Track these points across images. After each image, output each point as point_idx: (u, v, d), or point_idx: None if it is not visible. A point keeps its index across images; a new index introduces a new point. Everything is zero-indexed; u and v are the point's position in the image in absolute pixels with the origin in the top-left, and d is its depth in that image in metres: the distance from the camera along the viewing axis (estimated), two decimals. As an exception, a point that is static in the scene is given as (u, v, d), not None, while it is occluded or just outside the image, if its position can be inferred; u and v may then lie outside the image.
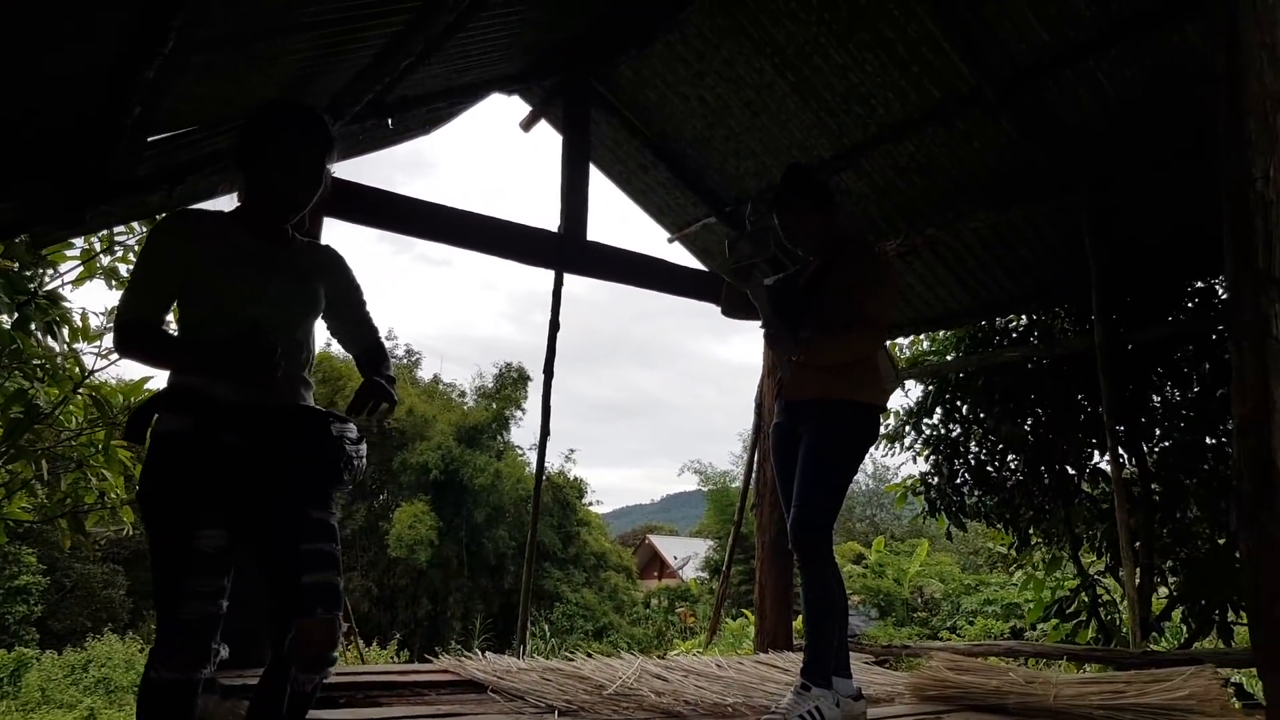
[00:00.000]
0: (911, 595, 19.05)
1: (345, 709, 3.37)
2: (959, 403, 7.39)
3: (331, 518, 2.50)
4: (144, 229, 4.56)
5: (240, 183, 2.61)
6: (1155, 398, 6.44)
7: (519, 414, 24.74)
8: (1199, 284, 6.13)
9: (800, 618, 3.77)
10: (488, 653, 4.71)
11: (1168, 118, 4.84)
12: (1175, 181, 5.14)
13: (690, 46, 5.57)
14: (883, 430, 7.73)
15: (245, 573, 2.50)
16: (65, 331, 4.56)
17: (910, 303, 6.76)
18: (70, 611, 18.95)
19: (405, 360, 27.05)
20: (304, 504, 2.45)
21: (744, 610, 15.71)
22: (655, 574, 33.70)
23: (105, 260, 4.78)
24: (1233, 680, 4.95)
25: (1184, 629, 6.74)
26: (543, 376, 6.06)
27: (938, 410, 7.55)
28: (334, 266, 2.77)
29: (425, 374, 27.73)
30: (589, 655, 4.63)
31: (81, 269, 4.70)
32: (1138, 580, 5.61)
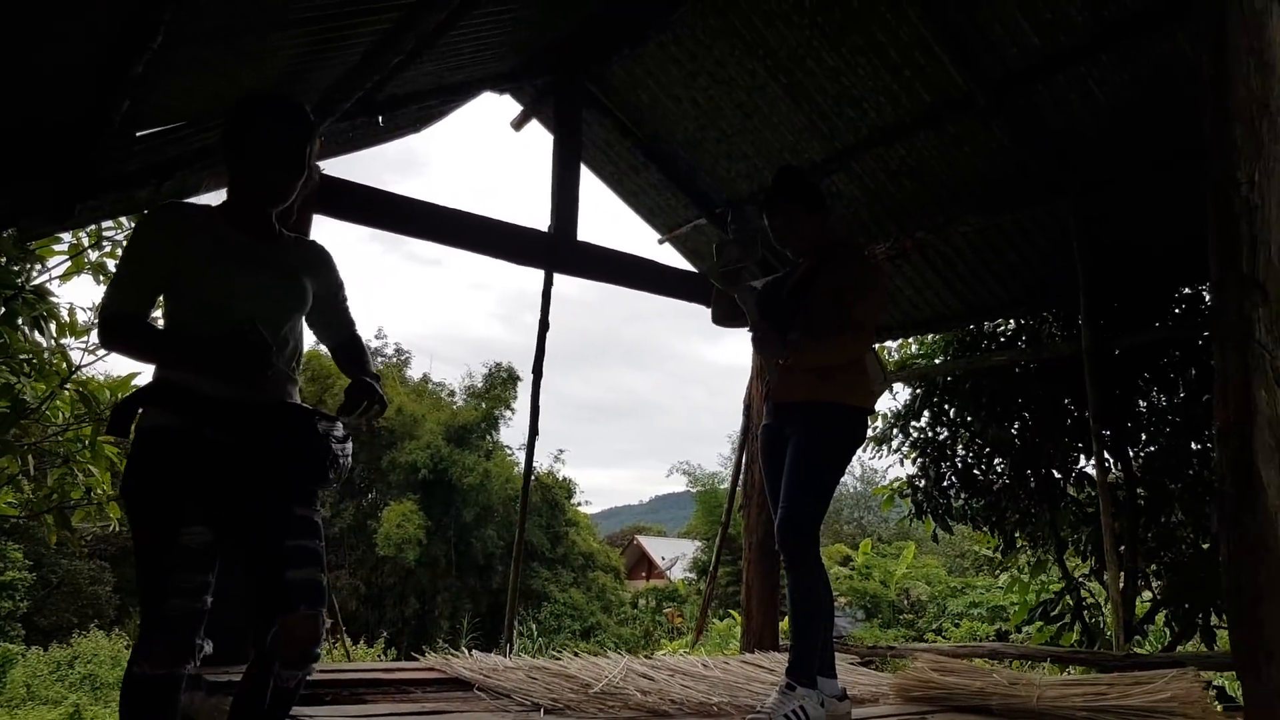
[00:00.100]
0: (898, 597, 19.10)
1: (330, 705, 3.37)
2: (946, 406, 7.42)
3: (316, 515, 2.50)
4: (132, 224, 4.54)
5: (225, 176, 2.62)
6: (1141, 403, 6.48)
7: (508, 414, 24.74)
8: (1186, 290, 6.16)
9: (786, 618, 3.77)
10: (474, 651, 4.71)
11: (1157, 124, 4.86)
12: (1164, 187, 5.17)
13: (683, 47, 5.58)
14: (871, 433, 7.75)
15: (230, 569, 2.49)
16: (52, 326, 4.54)
17: (899, 306, 6.78)
18: (56, 607, 18.85)
19: (395, 359, 27.02)
20: (289, 501, 2.44)
21: (731, 611, 15.73)
22: (643, 574, 33.70)
23: (93, 255, 4.76)
24: (1214, 683, 4.97)
25: (1167, 632, 6.79)
26: (532, 377, 6.07)
27: (925, 413, 7.58)
28: (321, 262, 2.76)
29: (415, 373, 27.72)
30: (576, 654, 4.62)
31: (69, 264, 4.69)
32: (1121, 584, 5.63)
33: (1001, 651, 6.14)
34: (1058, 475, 6.86)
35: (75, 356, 4.73)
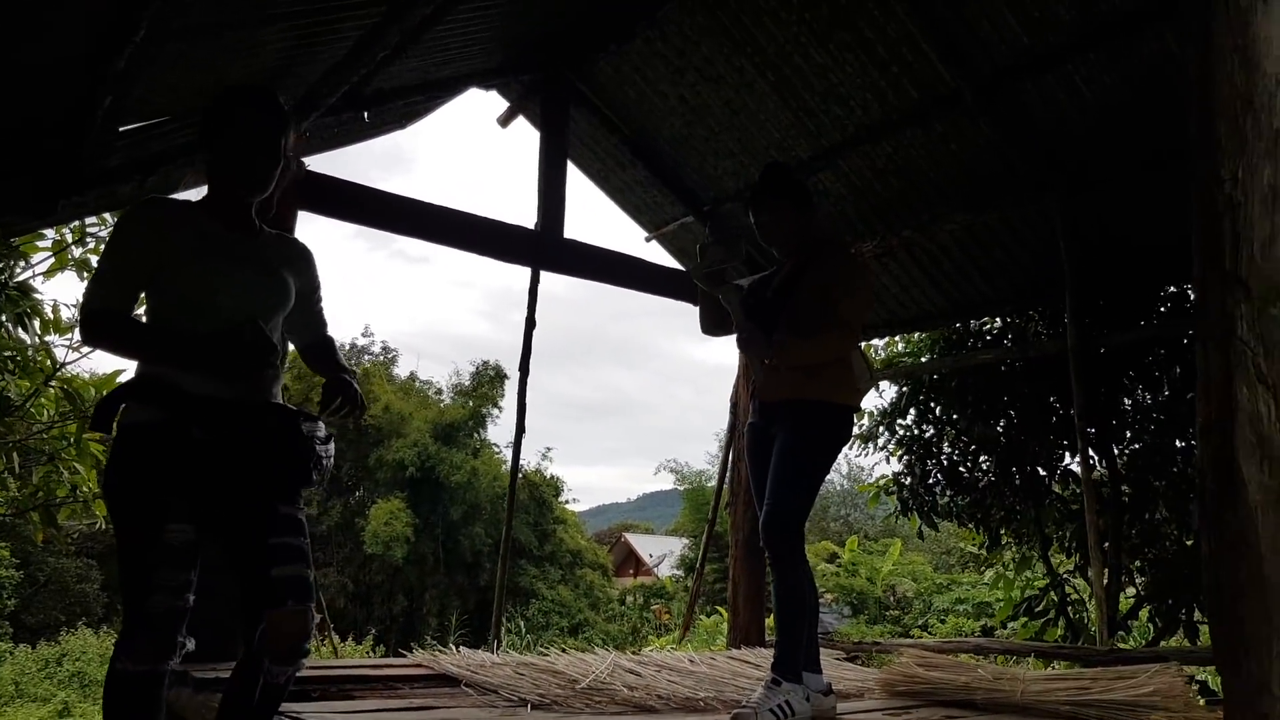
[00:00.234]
0: (884, 594, 19.17)
1: (319, 702, 3.36)
2: (932, 404, 7.44)
3: (299, 512, 2.50)
4: (115, 220, 4.52)
5: (204, 171, 2.62)
6: (1126, 401, 6.50)
7: (495, 412, 24.66)
8: (1172, 289, 6.19)
9: (772, 614, 3.78)
10: (462, 648, 4.71)
11: (1145, 123, 4.88)
12: (1152, 187, 5.19)
13: (670, 44, 5.57)
14: (857, 430, 7.77)
15: (215, 567, 2.49)
16: (36, 323, 4.53)
17: (885, 304, 6.79)
18: (44, 605, 18.77)
19: (382, 357, 26.89)
20: (272, 499, 2.44)
21: (718, 607, 15.74)
22: (631, 571, 33.71)
23: (77, 252, 4.74)
24: (1197, 678, 5.01)
25: (1151, 628, 6.82)
26: (519, 375, 6.06)
27: (911, 411, 7.60)
28: (301, 260, 2.75)
29: (402, 371, 27.60)
30: (563, 651, 4.63)
31: (53, 260, 4.66)
32: (1106, 580, 5.66)
33: (986, 647, 6.17)
34: (1043, 472, 6.89)
35: (59, 354, 4.72)
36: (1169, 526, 6.22)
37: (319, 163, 4.97)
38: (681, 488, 27.66)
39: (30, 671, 14.80)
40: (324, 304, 2.85)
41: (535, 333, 6.04)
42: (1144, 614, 6.78)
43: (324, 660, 5.36)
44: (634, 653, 5.32)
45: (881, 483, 8.19)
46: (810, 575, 3.50)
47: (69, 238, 4.70)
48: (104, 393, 4.62)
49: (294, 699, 2.92)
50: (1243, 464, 2.12)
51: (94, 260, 4.71)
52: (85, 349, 4.71)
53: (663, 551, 29.92)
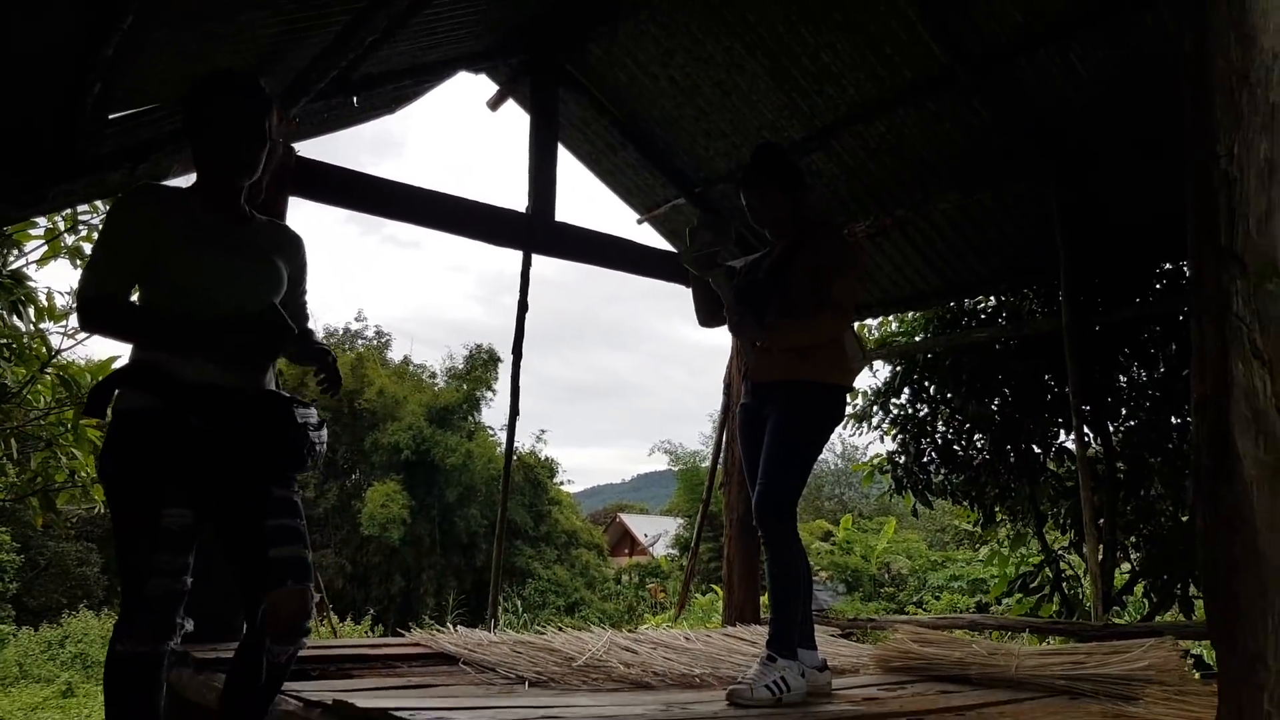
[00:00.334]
0: (879, 571, 19.27)
1: (318, 680, 3.37)
2: (926, 383, 7.45)
3: (295, 495, 2.52)
4: (107, 208, 4.52)
5: (191, 158, 2.62)
6: (1121, 378, 6.52)
7: (489, 395, 24.69)
8: (1167, 266, 6.19)
9: (767, 593, 3.80)
10: (460, 627, 4.73)
11: (1140, 101, 4.86)
12: (1147, 164, 5.17)
13: (660, 25, 5.54)
14: (851, 410, 7.79)
15: (212, 551, 2.50)
16: (31, 311, 4.53)
17: (879, 284, 6.78)
18: (45, 588, 18.91)
19: (375, 342, 26.88)
20: (267, 483, 2.46)
21: (713, 586, 15.82)
22: (626, 551, 33.82)
23: (70, 239, 4.74)
24: (1192, 652, 5.04)
25: (1146, 603, 6.86)
26: (512, 358, 6.06)
27: (905, 390, 7.61)
28: (293, 247, 2.76)
29: (396, 355, 27.54)
30: (560, 629, 4.65)
31: (46, 248, 4.66)
32: (1100, 556, 5.69)
33: (981, 623, 6.19)
34: (1037, 450, 6.91)
35: (55, 341, 4.73)
36: (1164, 502, 6.25)
37: (309, 148, 4.93)
38: (676, 468, 27.72)
39: (34, 653, 14.92)
40: (308, 296, 2.85)
41: (528, 316, 6.03)
42: (1139, 589, 6.82)
43: (323, 640, 5.37)
44: (630, 631, 5.34)
45: (876, 461, 8.21)
46: (804, 553, 3.51)
47: (61, 225, 4.69)
48: (99, 379, 4.65)
49: (294, 678, 2.93)
50: (1238, 439, 2.12)
51: (86, 248, 4.72)
52: (81, 335, 4.72)
53: (658, 531, 30.00)
